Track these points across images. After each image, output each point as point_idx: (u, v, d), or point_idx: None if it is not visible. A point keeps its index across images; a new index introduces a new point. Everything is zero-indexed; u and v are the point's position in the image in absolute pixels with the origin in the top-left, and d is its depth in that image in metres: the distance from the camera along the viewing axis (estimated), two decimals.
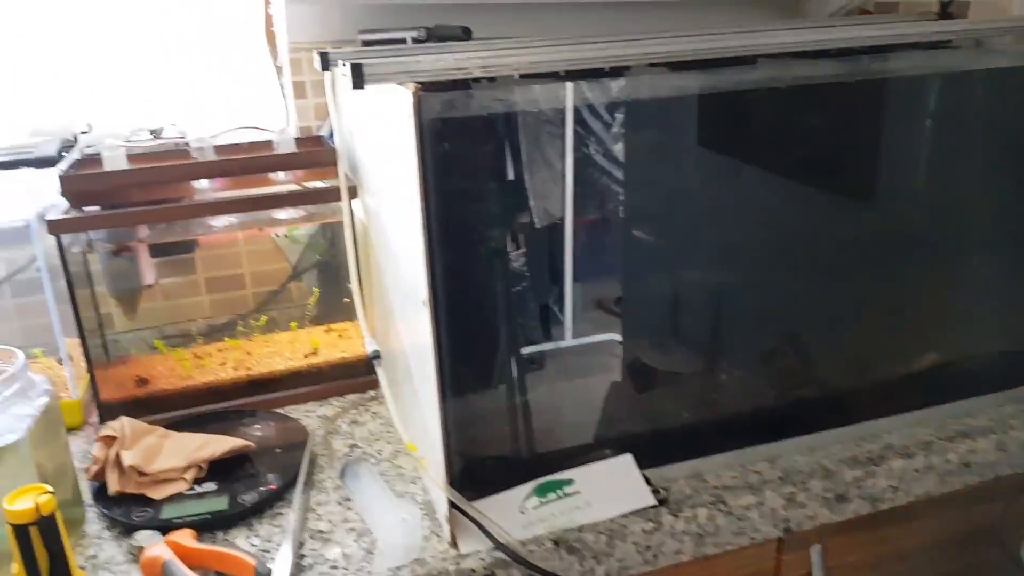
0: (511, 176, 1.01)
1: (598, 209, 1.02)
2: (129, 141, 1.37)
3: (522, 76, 0.90)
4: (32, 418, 0.90)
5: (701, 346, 1.08)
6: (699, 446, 1.01)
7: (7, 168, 1.33)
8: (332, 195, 1.29)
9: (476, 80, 0.88)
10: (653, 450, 0.97)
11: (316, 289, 1.48)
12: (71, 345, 1.28)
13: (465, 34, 1.35)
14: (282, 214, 1.34)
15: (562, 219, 1.01)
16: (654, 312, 1.08)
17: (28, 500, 0.74)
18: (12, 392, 0.91)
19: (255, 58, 1.58)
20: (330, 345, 1.42)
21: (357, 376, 1.38)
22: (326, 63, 1.17)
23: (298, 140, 1.39)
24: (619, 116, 0.96)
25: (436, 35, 1.33)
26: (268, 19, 1.58)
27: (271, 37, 1.58)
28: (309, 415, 1.29)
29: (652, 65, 0.91)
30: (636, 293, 1.07)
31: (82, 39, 1.44)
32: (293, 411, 1.30)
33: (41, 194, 1.28)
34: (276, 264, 1.58)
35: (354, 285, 1.22)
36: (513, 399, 1.02)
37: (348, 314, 1.44)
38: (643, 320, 1.09)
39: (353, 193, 1.27)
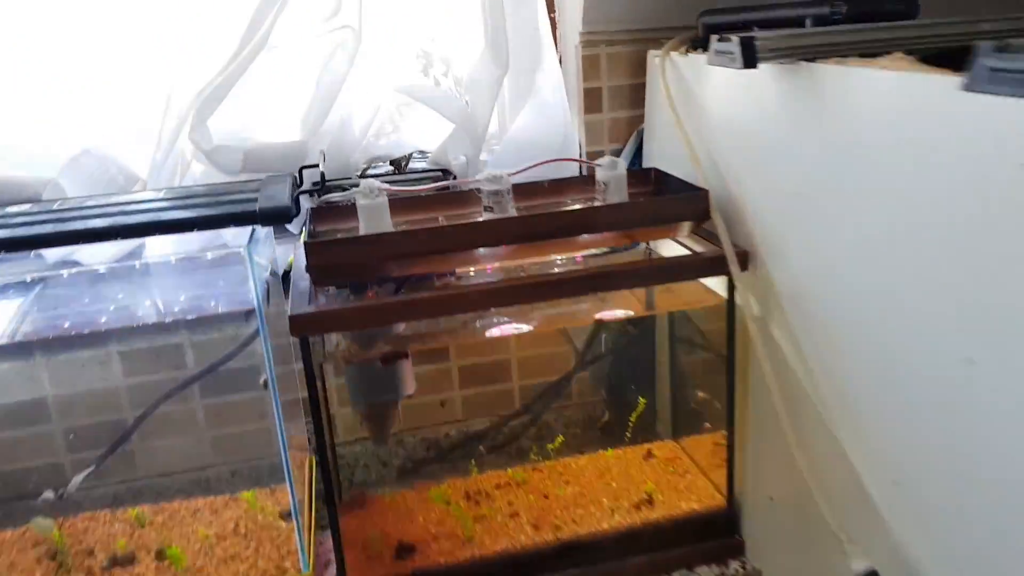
0: None
1: None
2: (375, 179, 0.95)
3: None
4: None
5: None
6: None
7: (202, 227, 0.89)
8: (717, 264, 0.81)
9: None
10: None
11: (642, 399, 1.01)
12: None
13: (907, 8, 0.84)
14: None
15: None
16: None
17: None
18: None
19: (522, 54, 1.11)
20: (665, 486, 0.94)
21: (710, 537, 0.90)
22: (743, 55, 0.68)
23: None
24: None
25: (862, 11, 0.82)
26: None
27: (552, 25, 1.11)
28: None
29: None
30: None
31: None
32: None
33: (262, 259, 0.86)
34: (550, 348, 1.12)
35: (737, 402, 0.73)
36: None
37: (661, 430, 0.96)
38: None
39: (743, 262, 0.79)
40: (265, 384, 0.80)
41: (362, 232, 0.81)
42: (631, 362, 1.07)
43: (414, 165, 1.09)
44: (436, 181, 1.02)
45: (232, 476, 1.06)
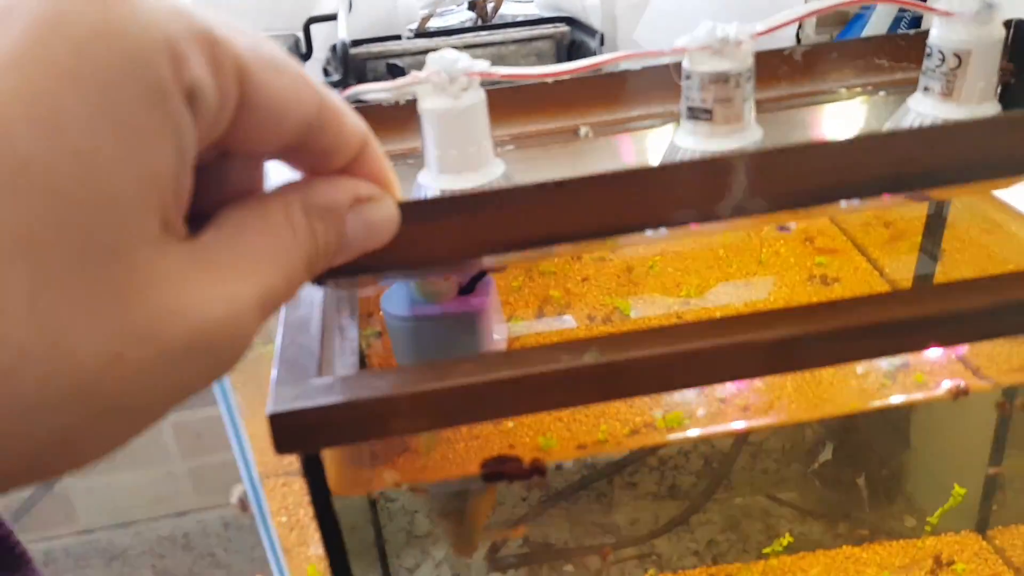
0: None
1: None
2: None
3: None
4: None
5: None
6: None
7: None
8: None
9: None
10: None
11: (958, 488, 0.57)
12: None
13: None
14: None
15: None
16: None
17: None
18: None
19: None
20: None
21: None
22: None
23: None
24: None
25: None
26: None
27: None
28: None
29: None
30: None
31: None
32: None
33: None
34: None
35: None
36: None
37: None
38: None
39: None
40: (243, 504, 0.39)
41: (432, 169, 0.37)
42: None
43: (511, 9, 0.61)
44: (555, 40, 0.55)
45: None
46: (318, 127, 0.18)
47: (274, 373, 0.30)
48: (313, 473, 0.32)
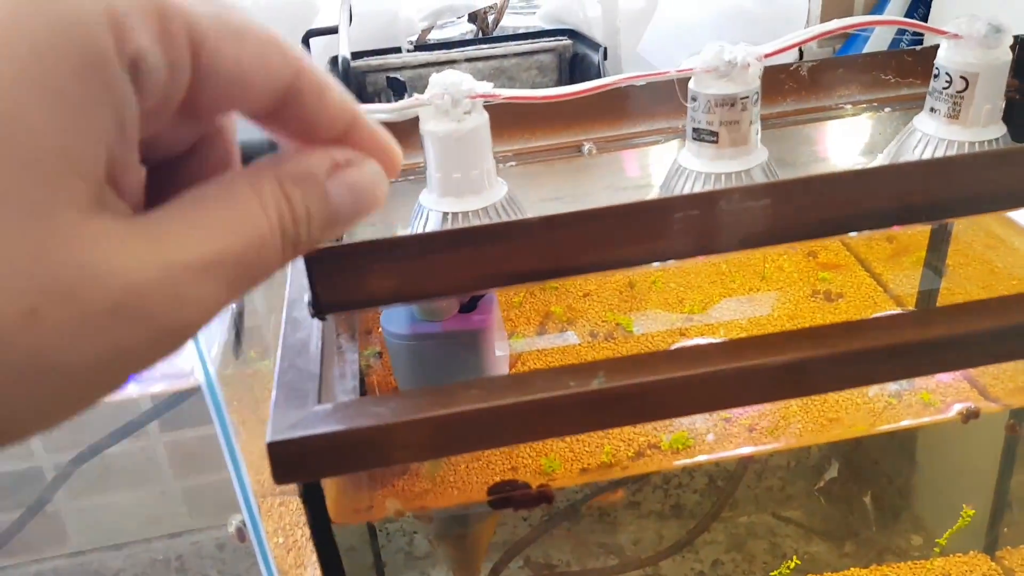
0: None
1: None
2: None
3: None
4: None
5: None
6: None
7: None
8: None
9: None
10: None
11: (967, 508, 0.56)
12: None
13: None
14: None
15: None
16: None
17: None
18: None
19: None
20: None
21: None
22: None
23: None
24: None
25: None
26: None
27: None
28: None
29: None
30: None
31: None
32: None
33: None
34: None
35: None
36: None
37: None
38: None
39: None
40: (241, 535, 0.38)
41: (434, 191, 0.36)
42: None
43: (512, 21, 0.61)
44: (557, 54, 0.54)
45: None
46: (295, 96, 0.17)
47: (273, 397, 0.29)
48: (312, 501, 0.31)
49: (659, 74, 0.37)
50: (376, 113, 0.34)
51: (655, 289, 0.63)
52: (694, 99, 0.37)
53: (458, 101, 0.33)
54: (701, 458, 0.41)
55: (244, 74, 0.16)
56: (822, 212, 0.30)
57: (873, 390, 0.45)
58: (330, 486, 0.37)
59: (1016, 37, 0.41)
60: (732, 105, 0.36)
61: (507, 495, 0.37)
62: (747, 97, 0.36)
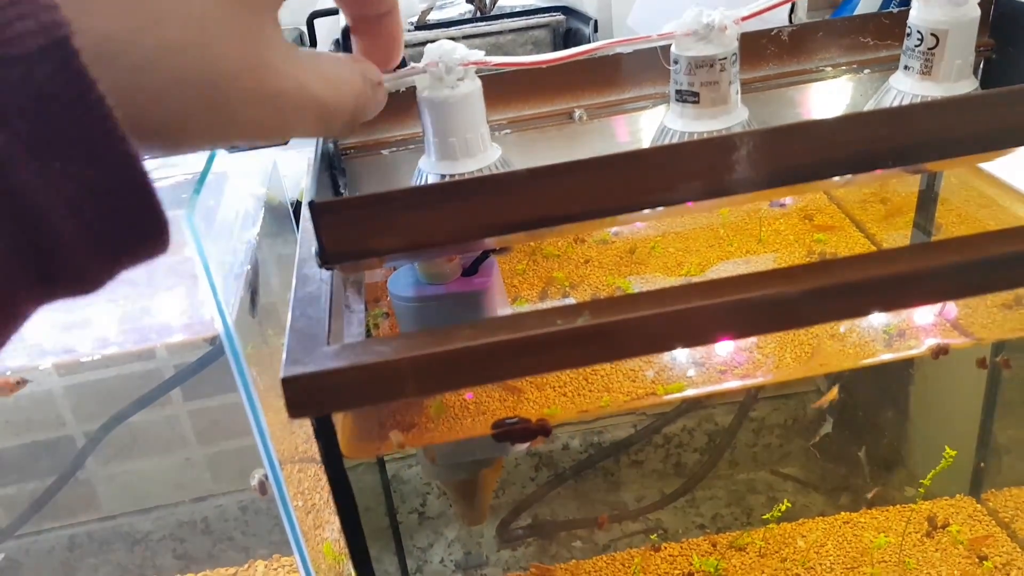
0: None
1: None
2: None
3: None
4: None
5: None
6: None
7: None
8: None
9: None
10: None
11: (949, 449, 0.57)
12: None
13: None
14: None
15: None
16: None
17: None
18: None
19: None
20: None
21: None
22: None
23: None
24: None
25: None
26: None
27: None
28: None
29: None
30: None
31: None
32: None
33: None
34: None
35: None
36: None
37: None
38: None
39: None
40: (262, 487, 0.41)
41: (431, 155, 0.38)
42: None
43: (508, 0, 0.63)
44: (551, 29, 0.57)
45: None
46: (390, 15, 0.29)
47: (286, 341, 0.32)
48: (325, 436, 0.34)
49: (641, 39, 0.39)
50: None
51: (655, 254, 0.65)
52: (675, 62, 0.39)
53: (451, 68, 0.35)
54: (691, 392, 0.44)
55: None
56: (795, 159, 0.32)
57: (856, 332, 0.48)
58: (343, 435, 0.39)
59: None
60: (711, 66, 0.38)
61: (508, 429, 0.40)
62: (725, 58, 0.38)
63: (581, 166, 0.31)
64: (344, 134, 0.49)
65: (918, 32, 0.41)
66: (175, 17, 0.19)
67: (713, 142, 0.31)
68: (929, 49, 0.41)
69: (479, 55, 0.37)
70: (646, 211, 0.33)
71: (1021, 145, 0.33)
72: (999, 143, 0.34)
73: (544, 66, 0.39)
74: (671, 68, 0.40)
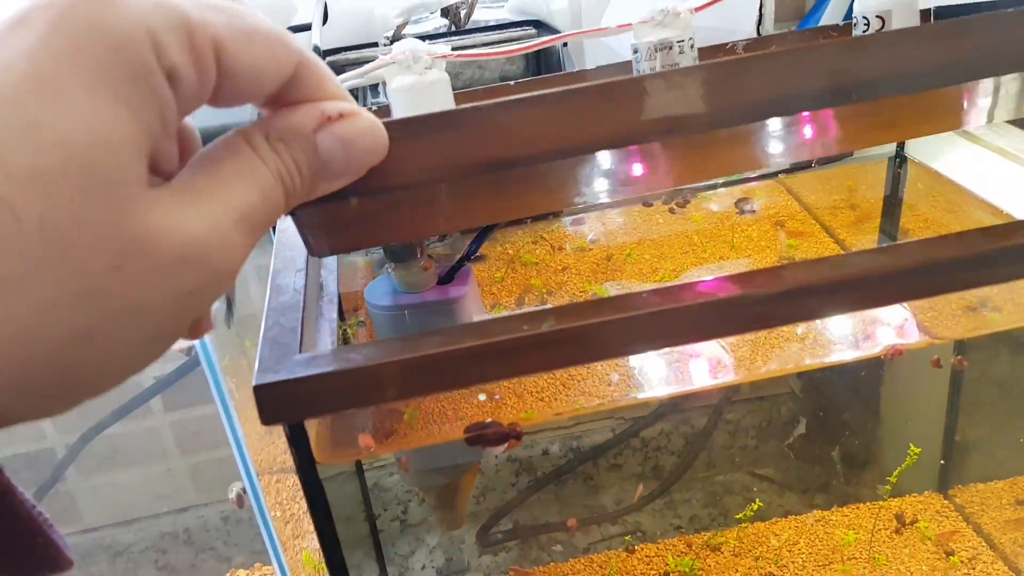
0: None
1: None
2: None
3: None
4: None
5: None
6: None
7: None
8: None
9: None
10: None
11: (913, 447, 0.58)
12: None
13: None
14: None
15: None
16: None
17: None
18: None
19: None
20: None
21: None
22: None
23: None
24: None
25: None
26: None
27: None
28: None
29: None
30: None
31: None
32: None
33: None
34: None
35: None
36: None
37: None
38: None
39: None
40: (239, 500, 0.41)
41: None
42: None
43: (482, 15, 0.64)
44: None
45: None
46: (297, 81, 0.20)
47: (259, 349, 0.33)
48: (298, 443, 0.35)
49: (598, 30, 0.40)
50: (347, 80, 0.37)
51: (630, 261, 0.66)
52: (636, 51, 0.39)
53: (419, 57, 0.36)
54: (663, 390, 0.45)
55: (258, 71, 0.19)
56: (757, 93, 0.31)
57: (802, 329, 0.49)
58: (317, 435, 0.40)
59: None
60: (670, 49, 0.39)
61: (480, 432, 0.41)
62: (683, 41, 0.39)
63: (535, 100, 0.28)
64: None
65: (864, 18, 0.42)
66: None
67: (678, 73, 0.30)
68: (876, 32, 0.42)
69: (444, 48, 0.37)
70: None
71: (975, 78, 0.33)
72: (954, 77, 0.33)
73: (503, 57, 0.39)
74: (632, 59, 0.40)
